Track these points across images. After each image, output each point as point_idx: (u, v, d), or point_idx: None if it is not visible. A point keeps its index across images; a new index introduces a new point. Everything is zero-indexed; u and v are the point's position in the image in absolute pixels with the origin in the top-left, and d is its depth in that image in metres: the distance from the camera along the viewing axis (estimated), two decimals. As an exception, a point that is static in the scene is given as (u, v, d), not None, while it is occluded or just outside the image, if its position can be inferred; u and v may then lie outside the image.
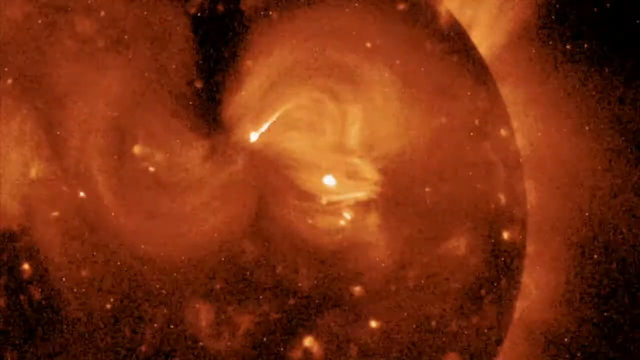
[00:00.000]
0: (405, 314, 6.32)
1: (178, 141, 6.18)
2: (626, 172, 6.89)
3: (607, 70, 6.84)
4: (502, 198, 6.61)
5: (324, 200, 6.24)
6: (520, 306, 6.81)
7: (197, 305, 6.18)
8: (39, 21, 6.22)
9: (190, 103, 6.19)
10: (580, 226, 6.89)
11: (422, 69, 6.46)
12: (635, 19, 6.82)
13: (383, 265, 6.26)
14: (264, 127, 6.27)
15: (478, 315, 6.54)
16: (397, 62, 6.37)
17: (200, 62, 6.21)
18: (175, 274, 6.19)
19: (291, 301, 6.19)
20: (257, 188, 6.20)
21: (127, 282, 6.19)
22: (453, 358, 6.43)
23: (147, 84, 6.18)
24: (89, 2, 6.22)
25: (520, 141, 6.84)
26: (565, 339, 6.88)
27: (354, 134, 6.27)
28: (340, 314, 6.23)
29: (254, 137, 6.28)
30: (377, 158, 6.27)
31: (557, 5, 6.86)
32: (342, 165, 6.25)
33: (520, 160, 6.84)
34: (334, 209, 6.24)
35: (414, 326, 6.35)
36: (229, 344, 6.18)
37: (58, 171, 6.19)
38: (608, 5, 6.81)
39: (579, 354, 6.89)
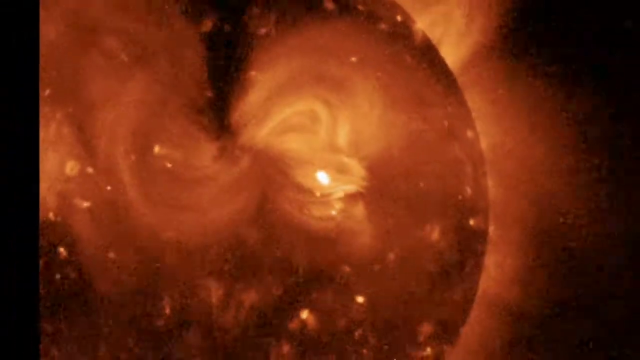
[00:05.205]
0: (387, 290, 6.47)
1: (192, 143, 6.29)
2: (575, 168, 7.16)
3: (560, 80, 7.10)
4: (469, 191, 6.80)
5: (317, 193, 6.38)
6: (483, 284, 6.98)
7: (209, 284, 6.30)
8: (71, 40, 6.30)
9: (203, 110, 6.30)
10: (536, 215, 7.08)
11: (401, 80, 6.62)
12: (596, 32, 7.05)
13: (368, 248, 6.41)
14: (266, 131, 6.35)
15: (448, 291, 6.72)
16: (379, 74, 6.54)
17: (211, 74, 6.31)
18: (190, 257, 6.31)
19: (290, 279, 6.34)
20: (260, 183, 6.33)
21: (148, 264, 6.29)
22: (427, 327, 6.61)
23: (165, 93, 6.29)
24: (115, 24, 6.30)
25: (483, 142, 7.03)
26: (522, 312, 7.09)
27: (343, 136, 6.40)
28: (331, 290, 6.40)
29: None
30: (363, 157, 6.43)
31: (518, 23, 7.10)
32: (333, 163, 6.39)
33: (484, 158, 7.00)
34: (326, 200, 6.37)
35: (394, 300, 6.50)
36: (236, 316, 6.31)
37: (89, 168, 6.32)
38: (567, 19, 7.06)
39: (532, 325, 7.11)
